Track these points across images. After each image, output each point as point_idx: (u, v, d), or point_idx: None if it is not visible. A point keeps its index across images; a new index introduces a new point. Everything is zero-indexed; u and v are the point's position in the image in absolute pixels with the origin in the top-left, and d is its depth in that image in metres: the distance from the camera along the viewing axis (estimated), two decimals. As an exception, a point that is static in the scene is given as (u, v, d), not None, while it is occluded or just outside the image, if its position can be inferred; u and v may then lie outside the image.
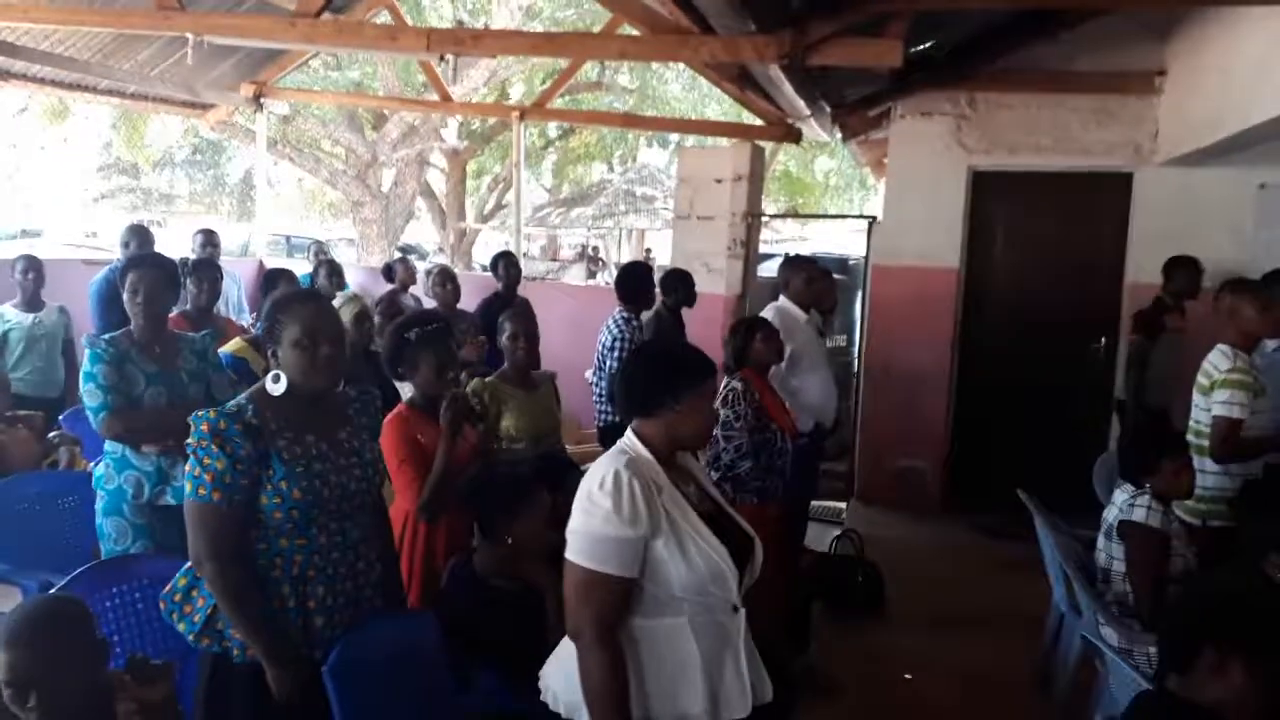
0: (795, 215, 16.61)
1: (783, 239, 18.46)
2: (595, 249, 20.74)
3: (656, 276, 5.45)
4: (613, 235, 20.48)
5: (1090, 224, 6.25)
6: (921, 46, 6.05)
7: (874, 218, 6.86)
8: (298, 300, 2.30)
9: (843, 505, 6.38)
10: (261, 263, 9.03)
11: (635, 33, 5.48)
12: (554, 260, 20.59)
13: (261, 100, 8.91)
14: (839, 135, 7.85)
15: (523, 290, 6.36)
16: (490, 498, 2.60)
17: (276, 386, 2.18)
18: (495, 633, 2.40)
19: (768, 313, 4.50)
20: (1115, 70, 5.98)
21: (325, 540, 2.20)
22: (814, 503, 5.36)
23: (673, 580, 1.88)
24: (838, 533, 5.07)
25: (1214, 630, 1.74)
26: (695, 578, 1.88)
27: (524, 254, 17.26)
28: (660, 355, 2.18)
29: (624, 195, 16.86)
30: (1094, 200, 6.21)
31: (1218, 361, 3.69)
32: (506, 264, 6.28)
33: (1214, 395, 3.63)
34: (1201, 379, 3.76)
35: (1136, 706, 1.91)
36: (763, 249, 8.37)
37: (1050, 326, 6.29)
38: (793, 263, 4.92)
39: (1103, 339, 6.21)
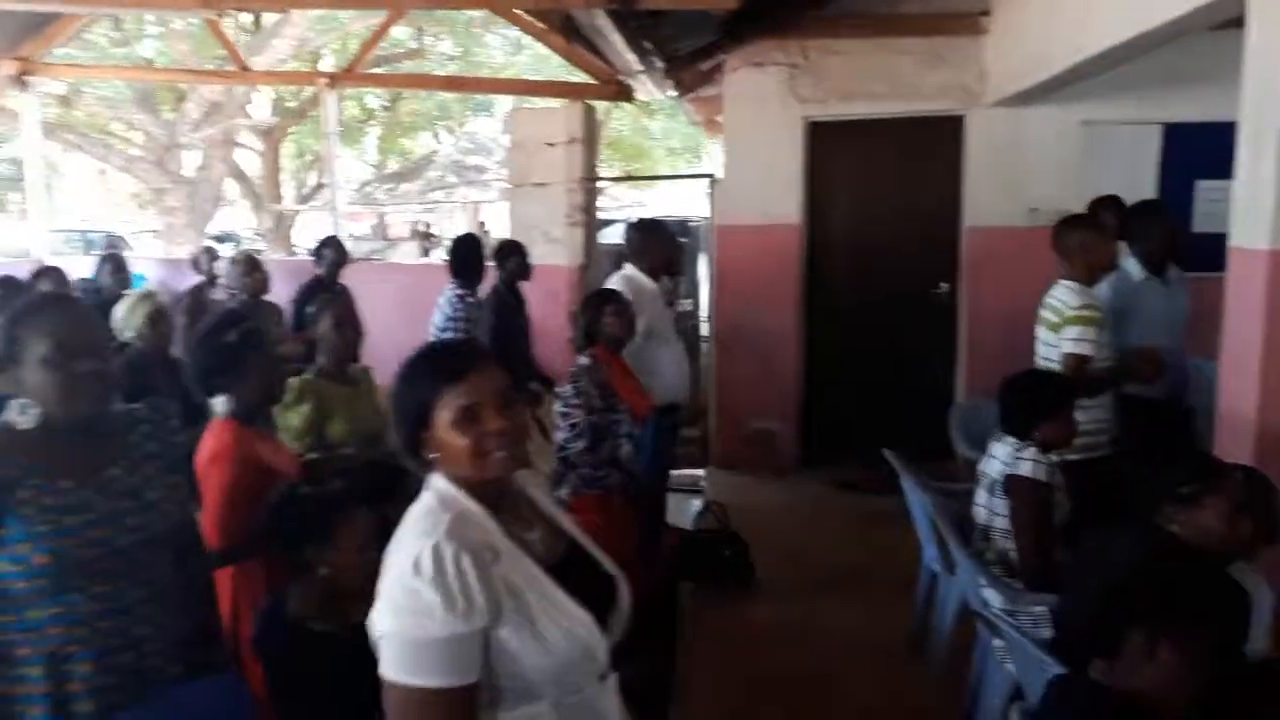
0: (634, 178, 16.38)
1: (622, 205, 18.22)
2: (427, 225, 19.94)
3: (492, 249, 5.06)
4: (446, 210, 19.74)
5: (927, 169, 6.22)
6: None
7: (714, 176, 6.65)
8: (42, 307, 1.83)
9: (701, 472, 6.19)
10: (42, 265, 8.04)
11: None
12: (385, 239, 19.67)
13: (25, 79, 7.88)
14: (674, 93, 7.59)
15: (350, 272, 5.85)
16: (296, 526, 2.18)
17: (24, 419, 1.74)
18: (318, 686, 2.00)
19: (615, 283, 4.18)
20: (942, 12, 5.92)
21: (90, 607, 1.75)
22: (673, 471, 5.15)
23: (526, 670, 1.46)
24: (699, 505, 4.87)
25: (1140, 613, 1.56)
26: (554, 662, 1.46)
27: (350, 235, 16.47)
28: (412, 363, 1.61)
29: (454, 167, 16.21)
30: (929, 144, 6.18)
31: (1066, 298, 3.63)
32: (331, 248, 5.74)
33: (1064, 332, 3.58)
34: (1050, 315, 3.71)
35: (1059, 698, 1.72)
36: (602, 215, 8.07)
37: (894, 274, 6.25)
38: (639, 227, 4.62)
39: (944, 284, 6.22)
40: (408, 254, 17.23)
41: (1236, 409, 3.02)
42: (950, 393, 6.11)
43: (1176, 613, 1.59)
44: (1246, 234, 2.98)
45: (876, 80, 6.07)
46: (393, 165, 18.58)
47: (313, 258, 5.92)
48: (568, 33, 5.62)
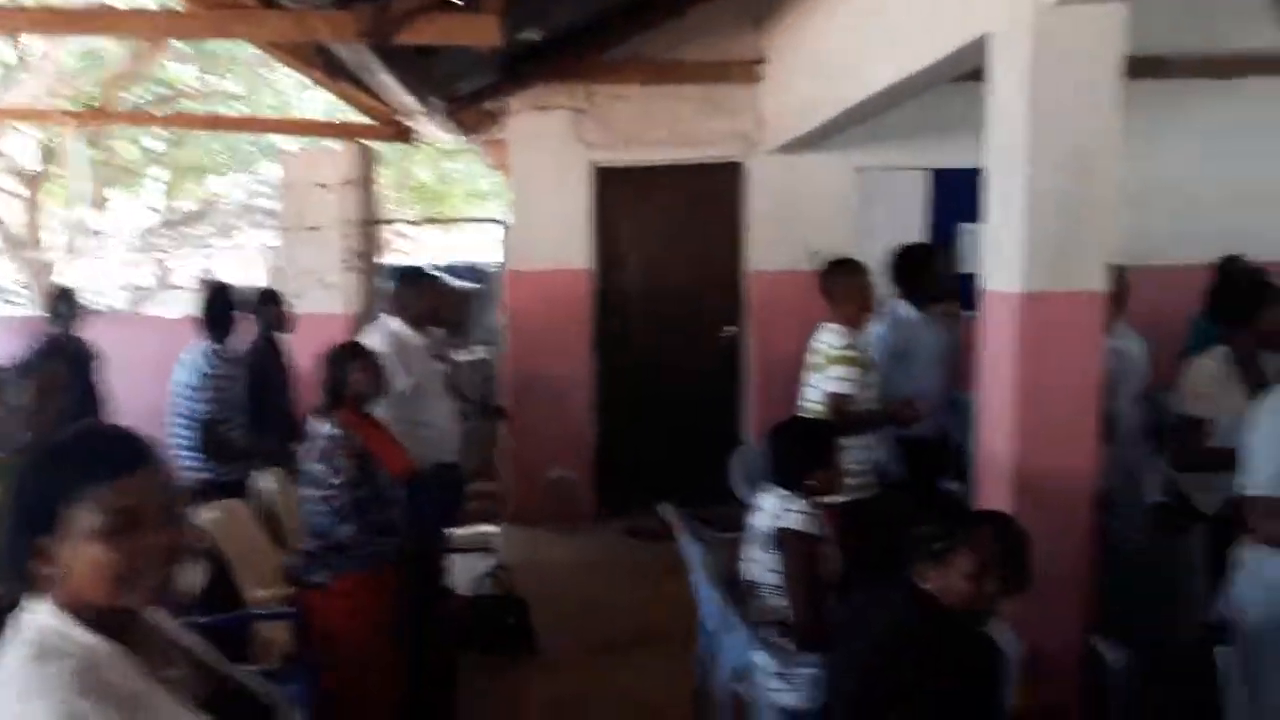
0: (415, 222, 15.93)
1: (425, 251, 17.68)
2: (209, 272, 18.64)
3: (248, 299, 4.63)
4: (233, 254, 18.58)
5: (711, 214, 6.24)
6: (530, 35, 5.70)
7: (505, 221, 6.44)
8: None
9: (494, 529, 5.89)
10: None
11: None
12: (168, 288, 18.27)
13: None
14: (459, 135, 7.35)
15: (101, 325, 5.26)
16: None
17: None
18: None
19: (371, 337, 3.86)
20: (720, 60, 5.99)
21: None
22: (460, 531, 4.85)
23: None
24: (486, 569, 4.58)
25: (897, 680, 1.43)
26: None
27: (129, 284, 15.15)
28: (53, 449, 1.26)
29: (243, 211, 15.29)
30: (713, 190, 6.21)
31: (830, 340, 3.71)
32: (64, 302, 5.13)
33: (827, 371, 3.63)
34: (814, 358, 3.76)
35: None
36: (405, 261, 7.71)
37: (683, 319, 6.23)
38: (402, 276, 4.33)
39: (731, 327, 6.23)
40: (182, 303, 15.94)
41: (993, 450, 3.04)
42: (740, 436, 6.10)
43: (930, 680, 1.48)
44: (997, 277, 3.03)
45: (659, 126, 6.06)
46: (179, 209, 17.35)
47: (47, 314, 5.28)
48: (331, 70, 5.29)
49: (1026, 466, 2.92)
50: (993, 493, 3.02)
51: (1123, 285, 3.79)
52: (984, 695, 2.05)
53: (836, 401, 3.60)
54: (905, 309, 4.12)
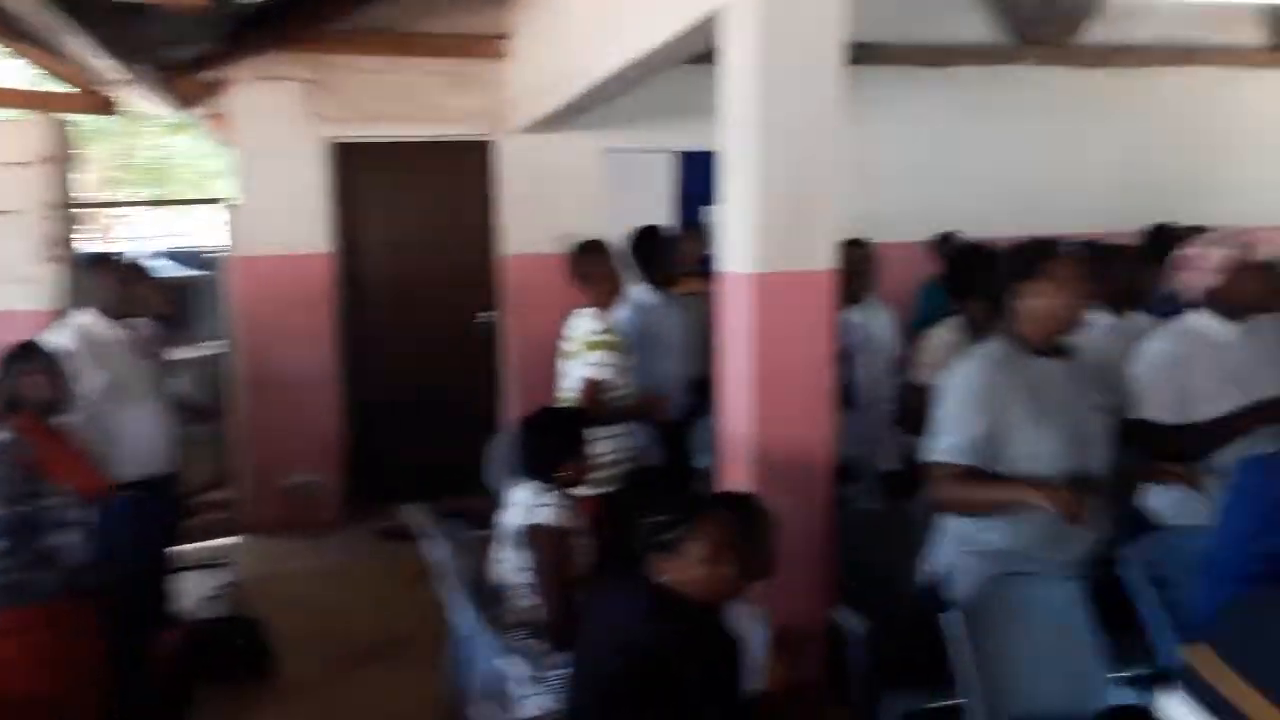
0: (136, 204, 14.56)
1: (150, 236, 16.16)
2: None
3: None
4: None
5: (461, 195, 5.99)
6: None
7: (230, 201, 5.89)
8: None
9: (229, 543, 5.41)
10: None
11: None
12: None
13: None
14: (176, 108, 6.66)
15: None
16: None
17: None
18: None
19: (59, 334, 3.37)
20: (463, 33, 5.73)
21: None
22: (189, 548, 4.39)
23: None
24: (212, 588, 4.16)
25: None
26: None
27: None
28: None
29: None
30: (462, 170, 5.96)
31: (587, 325, 3.62)
32: None
33: (583, 357, 3.54)
34: (571, 345, 3.67)
35: None
36: (129, 247, 6.90)
37: (435, 306, 5.96)
38: (94, 263, 3.82)
39: (486, 313, 6.03)
40: None
41: (734, 430, 3.04)
42: (499, 425, 5.92)
43: (668, 675, 1.39)
44: (732, 258, 3.01)
45: (402, 101, 5.74)
46: None
47: None
48: (9, 29, 4.60)
49: (766, 443, 2.93)
50: (736, 471, 3.02)
51: (867, 261, 3.93)
52: (723, 686, 2.00)
53: (591, 386, 3.52)
54: (644, 292, 4.09)
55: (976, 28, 6.61)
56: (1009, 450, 2.35)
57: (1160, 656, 2.49)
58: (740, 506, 2.17)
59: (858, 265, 4.23)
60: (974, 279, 3.43)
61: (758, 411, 2.92)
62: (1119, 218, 6.18)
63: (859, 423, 3.59)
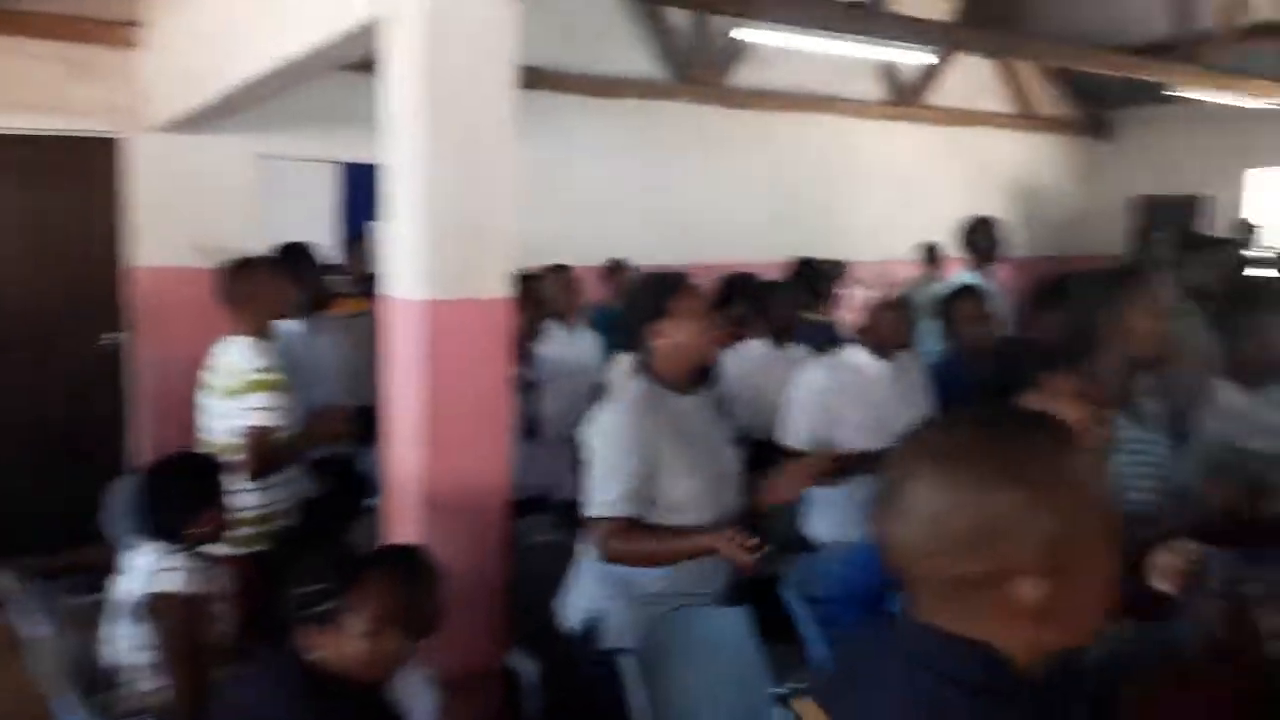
0: None
1: None
2: None
3: None
4: None
5: (83, 199, 5.19)
6: None
7: None
8: None
9: None
10: None
11: None
12: None
13: None
14: None
15: None
16: None
17: None
18: None
19: None
20: (87, 16, 5.00)
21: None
22: None
23: None
24: None
25: None
26: None
27: None
28: None
29: None
30: (84, 171, 5.17)
31: (244, 357, 3.10)
32: None
33: (247, 400, 3.03)
34: (223, 379, 3.15)
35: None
36: None
37: (44, 327, 5.10)
38: None
39: (110, 334, 5.27)
40: None
41: (403, 468, 2.82)
42: (125, 466, 5.20)
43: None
44: (399, 283, 2.80)
45: (10, 88, 4.89)
46: None
47: None
48: None
49: (437, 481, 2.74)
50: (403, 512, 2.81)
51: (569, 286, 3.85)
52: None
53: (260, 435, 3.00)
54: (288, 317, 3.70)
55: (640, 63, 6.88)
56: (662, 493, 2.29)
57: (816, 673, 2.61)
58: (404, 564, 1.97)
59: (557, 290, 4.17)
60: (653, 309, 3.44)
61: (428, 448, 2.72)
62: (768, 250, 6.66)
63: (543, 455, 3.49)
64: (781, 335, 3.76)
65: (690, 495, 2.29)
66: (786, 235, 7.16)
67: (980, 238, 4.68)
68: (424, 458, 2.73)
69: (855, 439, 2.86)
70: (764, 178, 7.48)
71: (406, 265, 2.75)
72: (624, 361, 3.28)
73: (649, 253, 6.06)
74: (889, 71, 8.17)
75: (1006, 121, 9.00)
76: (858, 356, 3.02)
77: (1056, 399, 1.99)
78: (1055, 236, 9.21)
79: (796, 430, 2.98)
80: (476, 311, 2.75)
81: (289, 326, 3.65)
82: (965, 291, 3.80)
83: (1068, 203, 9.43)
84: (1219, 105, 7.23)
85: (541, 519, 3.40)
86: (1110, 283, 2.54)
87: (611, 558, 2.29)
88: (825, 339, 3.34)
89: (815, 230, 7.48)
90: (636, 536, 2.25)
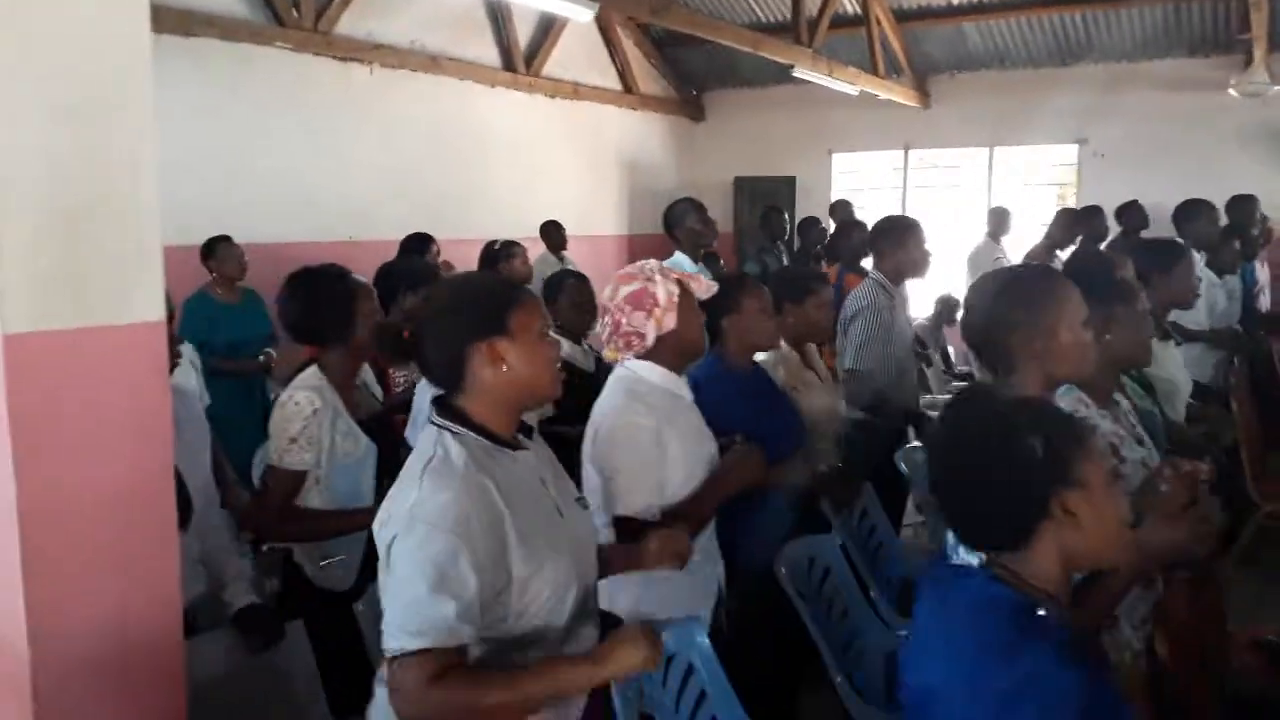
0: None
1: None
2: None
3: None
4: None
5: None
6: None
7: None
8: None
9: None
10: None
11: None
12: None
13: None
14: None
15: None
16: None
17: None
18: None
19: None
20: None
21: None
22: None
23: None
24: None
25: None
26: None
27: None
28: None
29: None
30: None
31: None
32: None
33: None
34: None
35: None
36: None
37: None
38: None
39: None
40: None
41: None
42: None
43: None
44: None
45: None
46: None
47: None
48: None
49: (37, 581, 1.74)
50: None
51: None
52: None
53: None
54: None
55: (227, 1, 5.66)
56: (516, 596, 1.54)
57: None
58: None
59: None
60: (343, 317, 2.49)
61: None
62: (388, 225, 5.87)
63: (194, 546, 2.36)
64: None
65: (557, 583, 1.57)
66: (407, 207, 6.40)
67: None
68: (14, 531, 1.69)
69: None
70: (380, 143, 6.60)
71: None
72: (306, 389, 2.36)
73: (235, 226, 4.96)
74: (505, 39, 7.65)
75: (613, 98, 8.87)
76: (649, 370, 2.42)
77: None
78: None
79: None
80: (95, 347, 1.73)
81: None
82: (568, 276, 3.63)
83: (674, 181, 9.49)
84: (805, 90, 7.63)
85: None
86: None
87: (426, 716, 1.47)
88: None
89: (437, 201, 6.79)
90: (480, 683, 1.47)
